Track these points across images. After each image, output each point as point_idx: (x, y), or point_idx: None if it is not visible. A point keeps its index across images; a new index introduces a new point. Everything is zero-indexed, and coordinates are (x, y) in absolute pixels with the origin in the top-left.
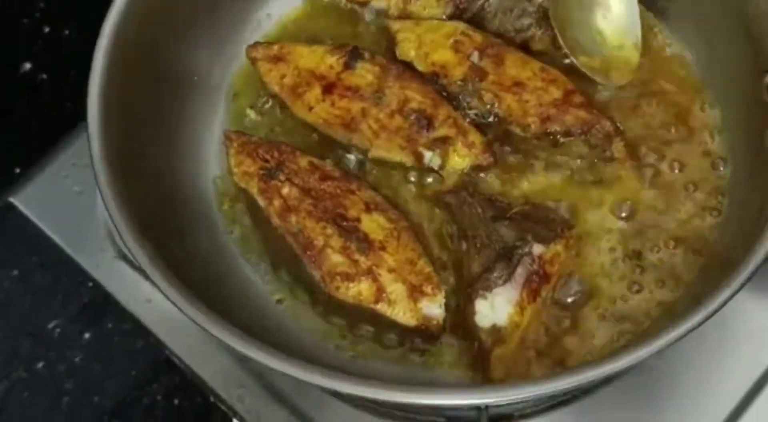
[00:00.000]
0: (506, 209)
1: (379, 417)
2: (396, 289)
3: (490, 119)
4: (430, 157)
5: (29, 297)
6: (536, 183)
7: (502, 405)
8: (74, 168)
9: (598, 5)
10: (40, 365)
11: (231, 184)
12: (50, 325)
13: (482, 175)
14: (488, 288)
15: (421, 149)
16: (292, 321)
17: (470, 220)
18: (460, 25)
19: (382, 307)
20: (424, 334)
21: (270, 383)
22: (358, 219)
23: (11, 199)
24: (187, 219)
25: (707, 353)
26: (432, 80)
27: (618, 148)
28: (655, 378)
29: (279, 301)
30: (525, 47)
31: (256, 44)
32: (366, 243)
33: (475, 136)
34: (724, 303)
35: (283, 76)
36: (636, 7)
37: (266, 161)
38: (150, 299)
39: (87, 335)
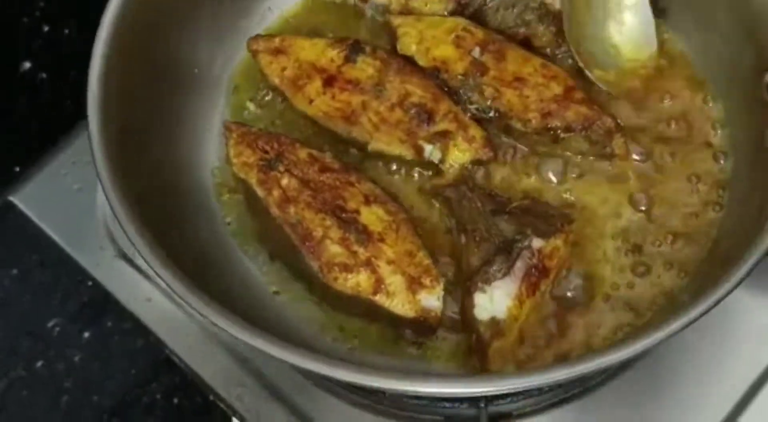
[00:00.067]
0: (506, 203)
1: (378, 416)
2: (395, 281)
3: (491, 114)
4: (430, 151)
5: (29, 296)
6: (536, 179)
7: (501, 400)
8: (74, 167)
9: (612, 19)
10: (39, 364)
11: (230, 175)
12: (50, 324)
13: (482, 169)
14: (487, 282)
15: (421, 143)
16: (290, 312)
17: (470, 214)
18: (462, 21)
19: (380, 298)
20: (422, 326)
21: (269, 382)
22: (357, 211)
23: (11, 198)
24: (187, 211)
25: (707, 351)
26: (433, 75)
27: (618, 144)
28: (656, 376)
29: (276, 293)
30: (526, 44)
31: (257, 36)
32: (365, 235)
33: (475, 131)
34: (723, 298)
35: (283, 69)
36: (651, 21)
37: (266, 152)
38: (150, 298)
39: (86, 334)
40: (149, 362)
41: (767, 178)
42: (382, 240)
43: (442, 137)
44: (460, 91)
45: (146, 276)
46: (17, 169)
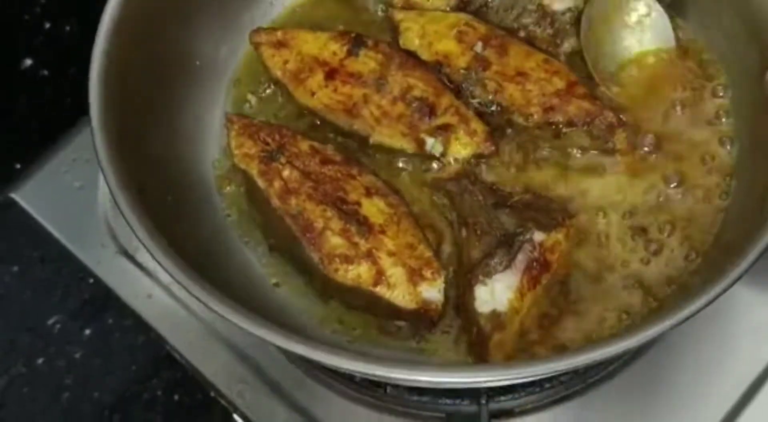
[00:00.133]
0: (507, 197)
1: (379, 413)
2: (396, 273)
3: (493, 108)
4: (432, 144)
5: (29, 292)
6: (537, 173)
7: (502, 396)
8: (75, 164)
9: (632, 36)
10: (40, 361)
11: (231, 167)
12: (50, 321)
13: (484, 163)
14: (488, 275)
15: (422, 136)
16: (290, 304)
17: (471, 208)
18: (464, 16)
19: (381, 290)
20: (422, 318)
21: (270, 378)
22: (359, 203)
23: (12, 195)
24: (188, 202)
25: (708, 348)
26: (435, 69)
27: (620, 139)
28: (656, 373)
29: (276, 285)
30: (528, 41)
31: (260, 29)
32: (366, 227)
33: (477, 125)
34: (721, 294)
35: (286, 62)
36: (670, 31)
37: (267, 144)
38: (151, 294)
39: (87, 331)
40: (150, 358)
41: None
42: (383, 232)
43: (444, 131)
44: (462, 86)
45: (147, 273)
46: (18, 166)
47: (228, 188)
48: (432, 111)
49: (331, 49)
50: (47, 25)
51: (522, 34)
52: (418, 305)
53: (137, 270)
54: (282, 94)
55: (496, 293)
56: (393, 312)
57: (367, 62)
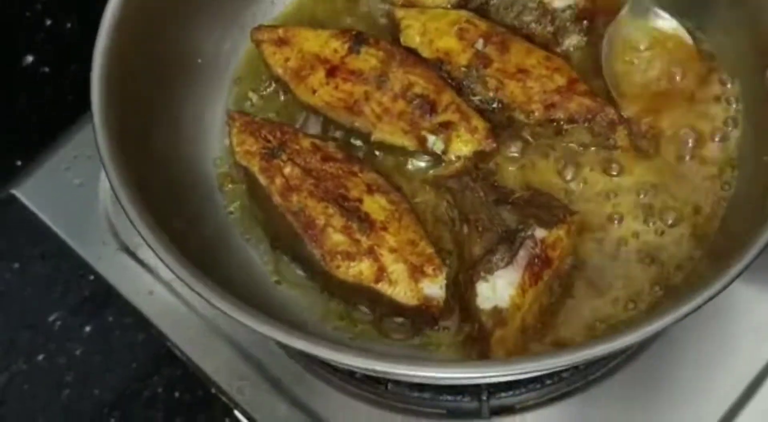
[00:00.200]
0: (508, 194)
1: (380, 409)
2: (397, 269)
3: (494, 105)
4: (433, 142)
5: (30, 289)
6: (539, 169)
7: (503, 393)
8: (76, 160)
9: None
10: (40, 357)
11: (232, 165)
12: (51, 318)
13: (484, 160)
14: (490, 271)
15: (424, 133)
16: (291, 301)
17: (472, 204)
18: (465, 14)
19: (382, 286)
20: (424, 315)
21: (271, 375)
22: (360, 200)
23: (13, 191)
24: (189, 199)
25: (709, 346)
26: (436, 66)
27: (621, 136)
28: (657, 371)
29: (278, 282)
30: (529, 38)
31: (261, 27)
32: (367, 224)
33: (478, 122)
34: (723, 290)
35: (287, 59)
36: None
37: (268, 141)
38: (152, 291)
39: (88, 328)
40: (150, 355)
41: None
42: (384, 228)
43: (445, 128)
44: (464, 83)
45: (148, 270)
46: (19, 162)
47: (230, 185)
48: (433, 108)
49: (332, 46)
50: (48, 22)
51: (523, 31)
52: (419, 301)
53: (138, 267)
54: (283, 92)
55: (497, 289)
56: (394, 308)
57: (368, 60)
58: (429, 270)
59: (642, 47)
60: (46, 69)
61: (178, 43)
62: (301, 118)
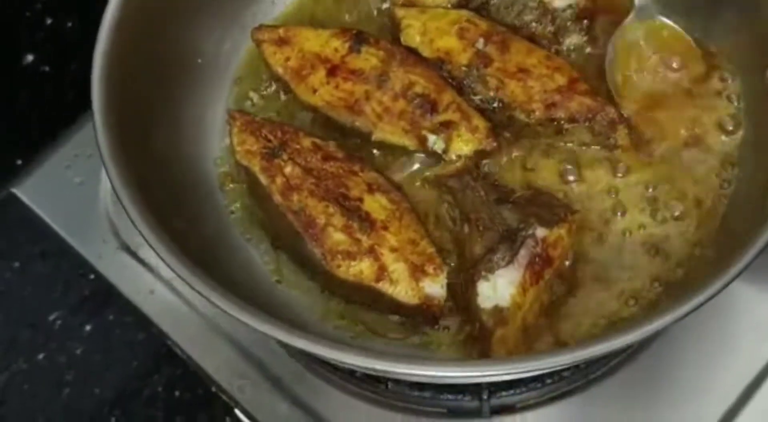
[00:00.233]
0: (509, 193)
1: (380, 408)
2: (398, 268)
3: (495, 105)
4: (434, 141)
5: (30, 288)
6: (539, 169)
7: (504, 392)
8: (76, 159)
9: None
10: (40, 356)
11: (233, 164)
12: (51, 316)
13: (485, 159)
14: (491, 270)
15: (424, 133)
16: (292, 300)
17: (473, 203)
18: (465, 13)
19: (383, 286)
20: (425, 314)
21: (272, 374)
22: (361, 200)
23: (14, 190)
24: (190, 199)
25: (709, 345)
26: (436, 66)
27: (622, 135)
28: (657, 370)
29: (278, 281)
30: (530, 38)
31: (261, 27)
32: (368, 223)
33: (479, 121)
34: (723, 289)
35: (287, 59)
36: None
37: (269, 141)
38: (152, 290)
39: (88, 327)
40: (151, 354)
41: None
42: (385, 228)
43: (446, 127)
44: (464, 82)
45: (149, 269)
46: (19, 161)
47: (230, 185)
48: (434, 108)
49: (332, 46)
50: (48, 21)
51: (523, 31)
52: (420, 301)
53: (139, 266)
54: (284, 92)
55: (498, 288)
56: (395, 307)
57: (368, 59)
58: (430, 269)
59: (647, 53)
60: (47, 68)
61: (178, 43)
62: (308, 119)
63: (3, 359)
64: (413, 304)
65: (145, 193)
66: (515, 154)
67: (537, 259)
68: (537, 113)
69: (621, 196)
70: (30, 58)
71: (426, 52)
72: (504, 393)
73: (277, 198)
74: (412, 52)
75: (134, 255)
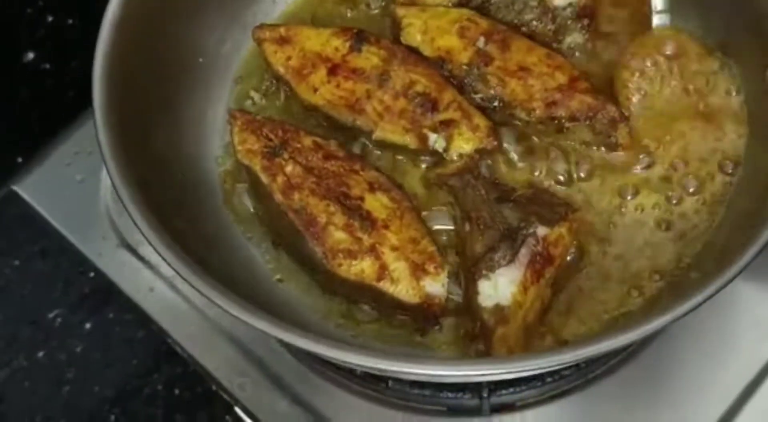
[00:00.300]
0: (510, 192)
1: (381, 406)
2: (399, 267)
3: (495, 104)
4: (435, 140)
5: (31, 285)
6: (540, 168)
7: (504, 390)
8: (77, 157)
9: None
10: (40, 354)
11: (234, 163)
12: (51, 314)
13: (486, 158)
14: (491, 269)
15: (425, 131)
16: (293, 299)
17: (474, 202)
18: (466, 12)
19: (384, 285)
20: (426, 313)
21: (272, 372)
22: (362, 199)
23: (14, 187)
24: (191, 198)
25: (709, 344)
26: (437, 65)
27: (623, 133)
28: (657, 369)
29: (280, 280)
30: (530, 36)
31: (263, 26)
32: (369, 222)
33: (479, 120)
34: (723, 287)
35: (288, 58)
36: None
37: (270, 140)
38: (152, 288)
39: (88, 324)
40: (150, 352)
41: None
42: (386, 227)
43: (447, 126)
44: (465, 81)
45: (149, 266)
46: (20, 159)
47: (231, 184)
48: (434, 106)
49: (333, 45)
50: (49, 19)
51: (524, 30)
52: (421, 299)
53: (139, 264)
54: (285, 91)
55: (499, 287)
56: (396, 306)
57: (369, 58)
58: (430, 268)
59: (660, 63)
60: (47, 65)
61: (179, 42)
62: (309, 118)
63: (3, 356)
64: (414, 303)
65: (146, 192)
66: (516, 152)
67: (538, 258)
68: (537, 112)
69: (621, 193)
70: (31, 55)
71: (427, 51)
72: (504, 392)
73: (278, 197)
74: (413, 51)
75: (134, 252)
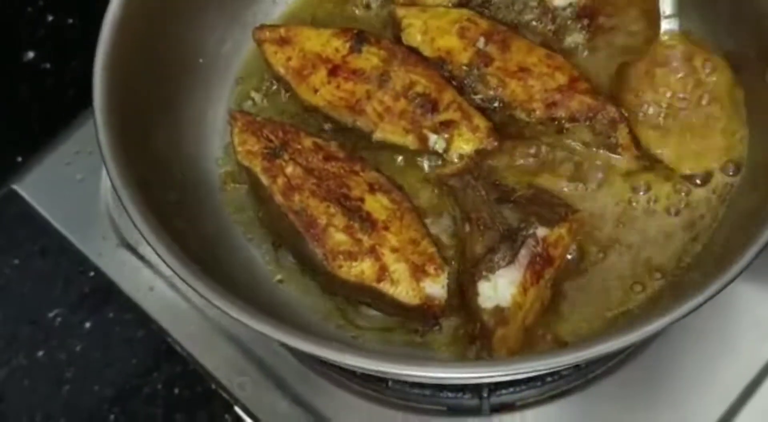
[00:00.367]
0: (510, 192)
1: (381, 406)
2: (399, 269)
3: (495, 104)
4: (435, 140)
5: (30, 284)
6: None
7: (504, 390)
8: (77, 156)
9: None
10: (40, 353)
11: (234, 164)
12: (51, 313)
13: (486, 159)
14: (491, 270)
15: (425, 132)
16: (294, 300)
17: (474, 203)
18: (466, 12)
19: (384, 286)
20: (426, 314)
21: (272, 371)
22: (362, 200)
23: (14, 187)
24: (191, 199)
25: (709, 345)
26: (437, 65)
27: (623, 134)
28: (657, 369)
29: (280, 281)
30: (531, 37)
31: (263, 26)
32: (369, 223)
33: (479, 120)
34: (723, 288)
35: (288, 59)
36: None
37: (270, 141)
38: (152, 287)
39: (88, 324)
40: (150, 352)
41: None
42: (386, 228)
43: (447, 127)
44: (465, 82)
45: (149, 265)
46: (20, 158)
47: (232, 185)
48: (434, 107)
49: (333, 45)
50: (49, 18)
51: (524, 30)
52: (421, 301)
53: (139, 263)
54: (285, 91)
55: (499, 288)
56: (396, 307)
57: (369, 58)
58: (430, 269)
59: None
60: (48, 64)
61: (179, 43)
62: (309, 119)
63: (3, 355)
64: (414, 304)
65: (146, 193)
66: (516, 153)
67: (538, 259)
68: (537, 112)
69: (622, 192)
70: (31, 55)
71: (427, 52)
72: (504, 391)
73: (279, 198)
74: (413, 51)
75: (134, 252)
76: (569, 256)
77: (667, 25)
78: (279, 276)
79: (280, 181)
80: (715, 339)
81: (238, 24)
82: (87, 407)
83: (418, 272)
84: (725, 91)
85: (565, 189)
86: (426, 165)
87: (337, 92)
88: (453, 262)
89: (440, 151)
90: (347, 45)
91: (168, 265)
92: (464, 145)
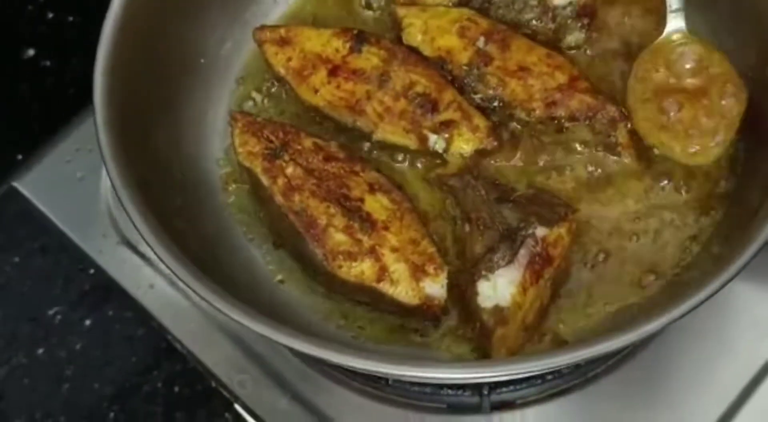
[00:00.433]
0: (510, 192)
1: (381, 404)
2: (398, 269)
3: (495, 104)
4: (435, 140)
5: (30, 282)
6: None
7: (504, 388)
8: (77, 154)
9: None
10: (40, 351)
11: (235, 165)
12: (51, 311)
13: (486, 158)
14: (491, 269)
15: (425, 132)
16: (294, 301)
17: (474, 203)
18: (466, 11)
19: (384, 286)
20: (426, 314)
21: (272, 369)
22: (362, 200)
23: (14, 184)
24: (192, 199)
25: (708, 344)
26: (437, 65)
27: (622, 133)
28: (657, 368)
29: (281, 281)
30: (530, 36)
31: (263, 27)
32: (369, 223)
33: (479, 120)
34: (721, 288)
35: (289, 59)
36: None
37: (271, 141)
38: (152, 285)
39: (88, 321)
40: (150, 350)
41: None
42: (386, 228)
43: (447, 127)
44: (465, 81)
45: (149, 263)
46: (20, 156)
47: (233, 185)
48: (434, 107)
49: (333, 45)
50: (50, 16)
51: (524, 29)
52: (421, 301)
53: (139, 261)
54: (286, 92)
55: (498, 288)
56: (396, 308)
57: (369, 59)
58: (430, 269)
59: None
60: (48, 62)
61: (180, 43)
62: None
63: (3, 353)
64: (414, 304)
65: (146, 193)
66: (516, 152)
67: (537, 259)
68: (537, 112)
69: (622, 192)
70: (31, 52)
71: (427, 51)
72: (504, 389)
73: (279, 199)
74: (413, 51)
75: (134, 249)
76: (567, 263)
77: (673, 20)
78: (279, 277)
79: (281, 181)
80: (714, 338)
81: (239, 24)
82: (87, 405)
83: (417, 272)
84: (728, 86)
85: (565, 189)
86: (426, 165)
87: (337, 92)
88: (453, 262)
89: (440, 150)
90: (347, 45)
91: (168, 266)
92: (464, 144)
